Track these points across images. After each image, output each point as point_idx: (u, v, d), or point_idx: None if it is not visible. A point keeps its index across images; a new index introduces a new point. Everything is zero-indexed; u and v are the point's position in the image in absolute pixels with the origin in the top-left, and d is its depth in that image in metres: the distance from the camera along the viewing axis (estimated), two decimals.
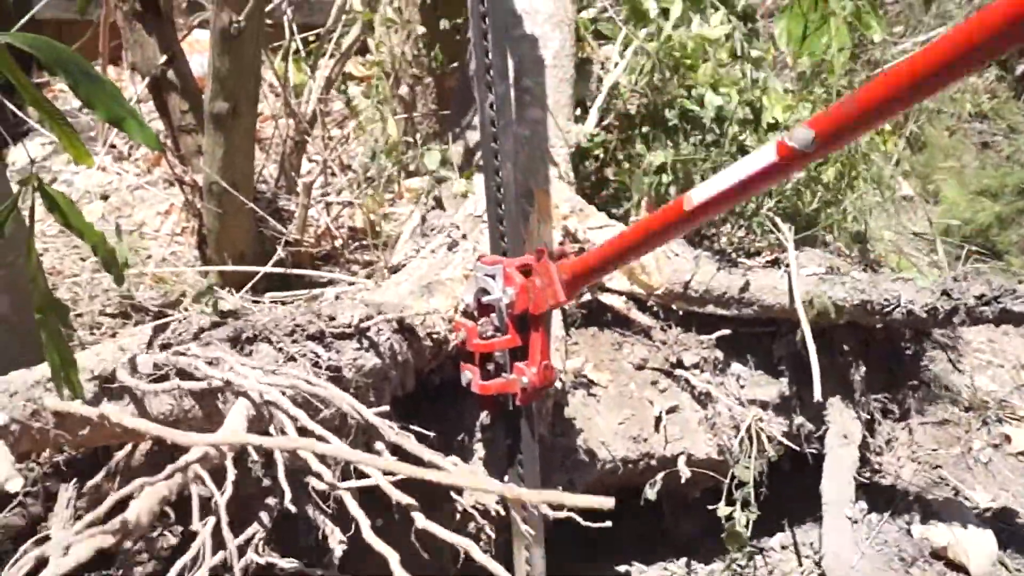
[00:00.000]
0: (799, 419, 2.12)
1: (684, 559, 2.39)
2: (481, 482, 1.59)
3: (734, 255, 2.13)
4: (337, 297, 2.01)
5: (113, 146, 3.17)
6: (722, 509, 1.98)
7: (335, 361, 1.42)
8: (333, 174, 2.63)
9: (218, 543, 1.09)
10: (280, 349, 1.37)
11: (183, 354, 1.28)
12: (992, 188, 3.51)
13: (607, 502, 1.16)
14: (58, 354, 1.28)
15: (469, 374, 1.86)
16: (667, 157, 2.33)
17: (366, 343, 1.48)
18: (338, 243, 2.61)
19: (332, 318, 1.46)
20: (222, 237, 2.39)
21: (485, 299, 1.82)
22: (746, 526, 2.02)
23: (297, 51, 2.52)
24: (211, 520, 0.92)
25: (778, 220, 2.09)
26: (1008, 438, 2.72)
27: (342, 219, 2.70)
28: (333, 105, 2.79)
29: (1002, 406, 2.84)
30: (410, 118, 2.50)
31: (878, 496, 2.48)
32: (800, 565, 2.36)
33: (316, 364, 1.39)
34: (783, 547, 2.45)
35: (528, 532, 1.98)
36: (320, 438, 1.21)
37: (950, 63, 0.99)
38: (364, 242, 2.62)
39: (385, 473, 1.21)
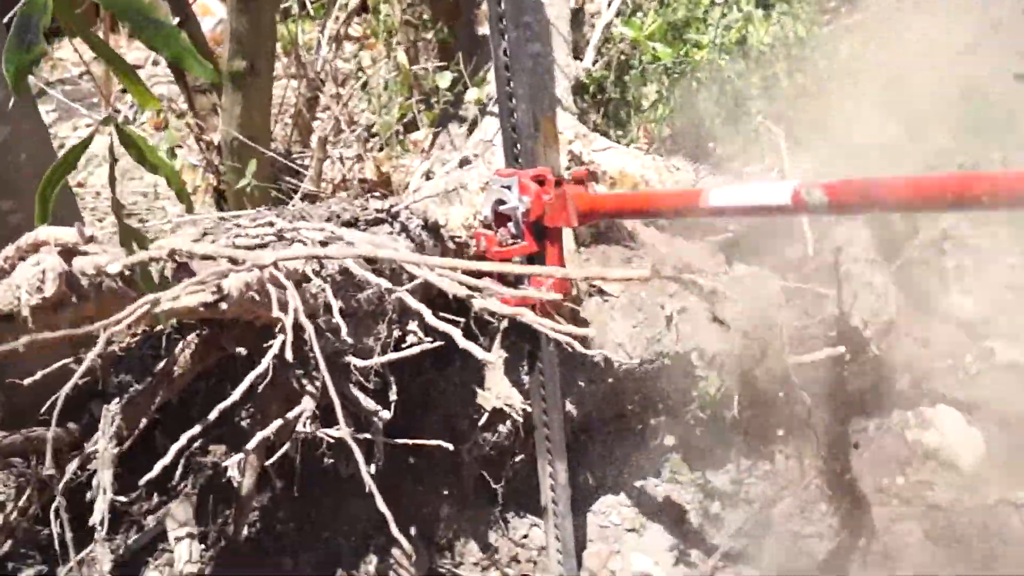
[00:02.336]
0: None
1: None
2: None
3: (729, 165, 2.27)
4: None
5: (117, 111, 3.28)
6: None
7: (371, 250, 1.54)
8: (341, 130, 2.75)
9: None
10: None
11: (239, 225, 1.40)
12: None
13: (644, 273, 1.29)
14: (143, 281, 1.38)
15: (488, 283, 1.99)
16: (660, 91, 2.47)
17: (398, 227, 1.61)
18: (352, 194, 2.74)
19: (365, 207, 1.58)
20: (241, 192, 2.51)
21: (502, 208, 1.95)
22: None
23: (304, 8, 2.65)
24: (292, 308, 1.04)
25: (771, 125, 2.22)
26: (993, 352, 2.86)
27: (354, 172, 2.82)
28: (336, 63, 2.91)
29: (987, 323, 2.98)
30: (415, 70, 2.62)
31: (875, 403, 2.62)
32: None
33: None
34: None
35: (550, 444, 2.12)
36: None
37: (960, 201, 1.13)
38: (376, 193, 2.75)
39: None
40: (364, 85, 2.75)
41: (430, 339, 1.51)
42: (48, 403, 1.30)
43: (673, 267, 2.26)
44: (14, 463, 1.92)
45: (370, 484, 1.09)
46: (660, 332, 2.19)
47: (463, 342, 1.15)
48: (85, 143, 1.35)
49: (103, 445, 1.60)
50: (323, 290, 1.28)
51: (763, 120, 2.23)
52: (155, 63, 3.66)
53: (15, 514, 1.85)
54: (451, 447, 1.64)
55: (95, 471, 1.60)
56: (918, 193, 1.17)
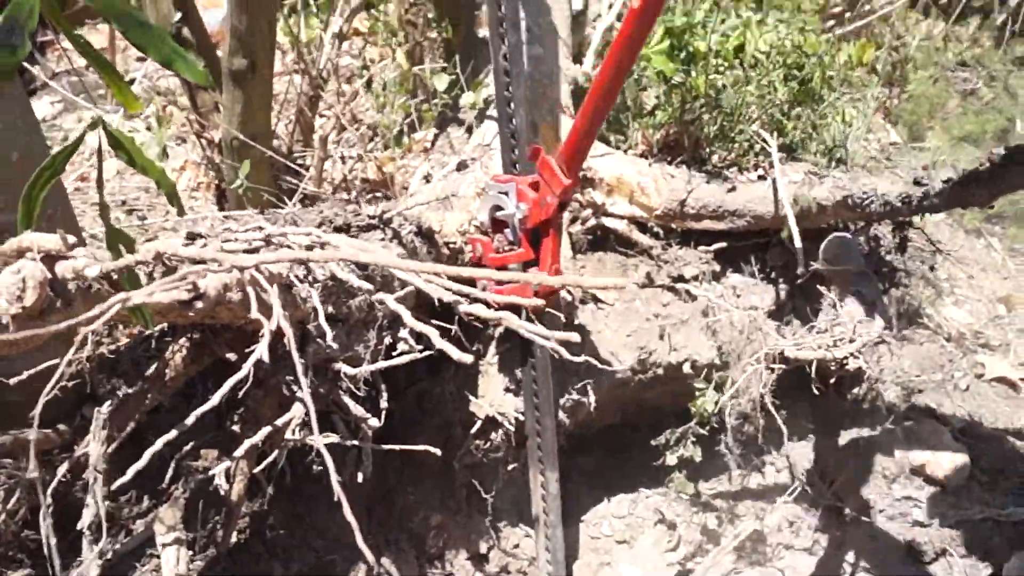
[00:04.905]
0: (793, 322, 2.24)
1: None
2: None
3: (725, 172, 2.26)
4: None
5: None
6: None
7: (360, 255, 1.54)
8: (344, 128, 2.74)
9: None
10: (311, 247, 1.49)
11: (229, 230, 1.39)
12: (973, 134, 3.64)
13: (621, 282, 1.28)
14: (129, 284, 1.38)
15: (484, 282, 1.99)
16: (660, 99, 2.46)
17: (390, 233, 1.60)
18: (353, 194, 2.73)
19: (357, 213, 1.57)
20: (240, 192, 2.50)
21: (499, 215, 1.95)
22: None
23: (307, 5, 2.64)
24: (276, 313, 1.03)
25: (763, 133, 2.21)
26: (983, 366, 2.86)
27: (356, 172, 2.81)
28: (341, 60, 2.90)
29: (978, 337, 2.98)
30: (415, 72, 2.61)
31: (864, 418, 2.63)
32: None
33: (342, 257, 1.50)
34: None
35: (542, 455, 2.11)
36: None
37: None
38: (378, 193, 2.74)
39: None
40: (368, 83, 2.74)
41: (420, 347, 1.50)
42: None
43: (668, 276, 2.26)
44: (3, 464, 1.92)
45: (339, 492, 1.08)
46: (653, 341, 2.19)
47: (440, 342, 1.15)
48: (73, 146, 1.34)
49: (94, 448, 1.59)
50: (311, 296, 1.27)
51: (756, 130, 2.22)
52: None
53: (3, 517, 1.84)
54: (440, 453, 1.62)
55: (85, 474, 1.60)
56: None
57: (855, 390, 2.57)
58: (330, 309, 1.45)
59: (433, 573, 2.24)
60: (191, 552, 1.80)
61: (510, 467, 2.20)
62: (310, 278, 1.35)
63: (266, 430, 1.45)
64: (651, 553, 2.39)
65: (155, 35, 1.36)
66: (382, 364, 1.48)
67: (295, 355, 0.97)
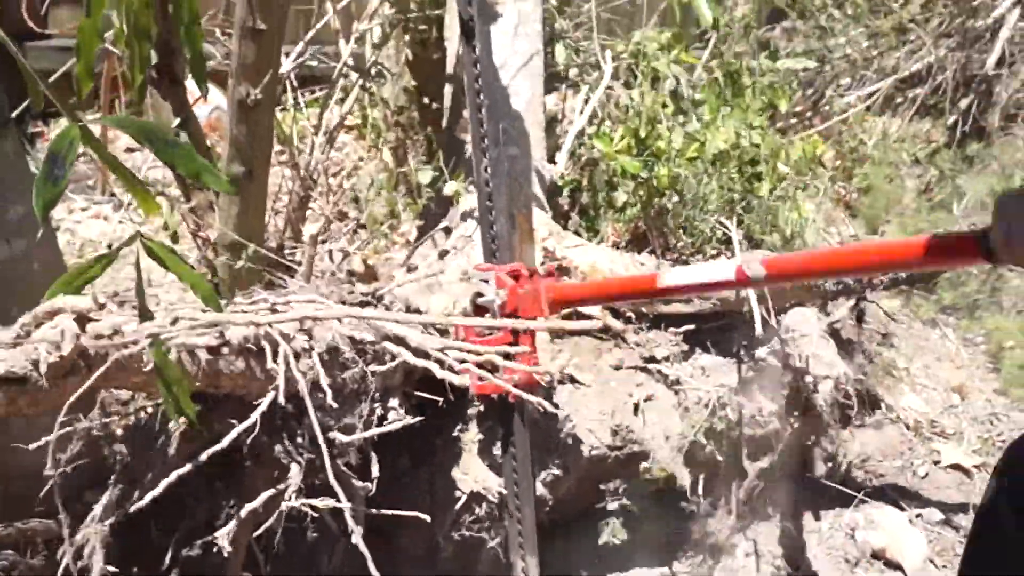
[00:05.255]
0: (762, 402, 2.37)
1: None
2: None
3: (690, 259, 2.44)
4: None
5: (113, 194, 3.40)
6: None
7: (354, 332, 1.67)
8: (331, 223, 2.91)
9: None
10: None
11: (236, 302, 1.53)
12: (927, 230, 3.88)
13: (595, 324, 1.44)
14: (168, 377, 1.46)
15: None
16: (628, 196, 2.66)
17: (382, 308, 1.73)
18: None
19: (351, 291, 1.71)
20: (234, 287, 2.62)
21: (480, 301, 2.08)
22: None
23: (297, 104, 2.84)
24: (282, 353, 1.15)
25: (725, 221, 2.40)
26: (939, 453, 3.01)
27: (343, 265, 2.96)
28: (330, 154, 3.08)
29: (933, 425, 3.14)
30: (401, 169, 2.80)
31: (828, 502, 2.76)
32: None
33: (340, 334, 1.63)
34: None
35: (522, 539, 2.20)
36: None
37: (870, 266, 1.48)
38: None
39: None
40: (352, 177, 2.92)
41: (410, 417, 1.63)
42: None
43: (640, 357, 2.40)
44: (7, 555, 2.00)
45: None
46: (628, 418, 2.31)
47: (441, 372, 1.27)
48: (111, 257, 1.47)
49: (95, 530, 1.67)
50: (312, 367, 1.39)
51: (717, 218, 2.41)
52: None
53: None
54: (429, 519, 1.71)
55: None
56: (833, 261, 1.45)
57: (825, 467, 2.70)
58: (325, 381, 1.57)
59: None
60: None
61: (493, 542, 2.27)
62: (310, 345, 1.48)
63: (268, 492, 1.55)
64: None
65: (182, 152, 1.52)
66: (375, 431, 1.59)
67: (311, 412, 1.09)
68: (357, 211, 2.90)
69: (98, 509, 1.79)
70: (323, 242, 2.91)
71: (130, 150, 3.72)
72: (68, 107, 1.44)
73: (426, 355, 1.55)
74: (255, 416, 1.15)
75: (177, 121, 2.66)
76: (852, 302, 2.44)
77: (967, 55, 4.33)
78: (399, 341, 1.56)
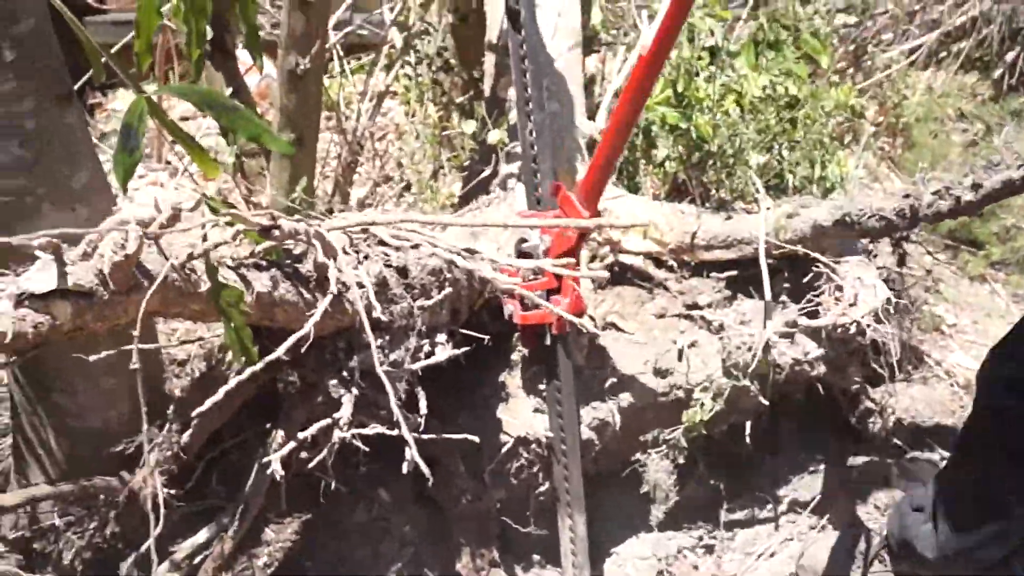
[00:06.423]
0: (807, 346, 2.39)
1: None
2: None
3: (731, 205, 2.47)
4: None
5: (168, 162, 3.52)
6: None
7: (402, 261, 1.74)
8: (377, 185, 2.99)
9: None
10: (357, 250, 1.68)
11: None
12: None
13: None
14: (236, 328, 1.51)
15: (511, 308, 2.17)
16: (668, 150, 2.69)
17: (429, 249, 1.80)
18: None
19: (399, 228, 1.78)
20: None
21: (524, 246, 2.16)
22: None
23: (343, 71, 2.92)
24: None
25: (752, 174, 2.43)
26: None
27: None
28: (376, 117, 3.16)
29: None
30: (444, 127, 2.86)
31: (869, 452, 2.75)
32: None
33: (387, 264, 1.70)
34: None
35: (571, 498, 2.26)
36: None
37: None
38: None
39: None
40: (399, 142, 2.98)
41: (456, 349, 1.69)
42: None
43: (683, 304, 2.43)
44: (72, 512, 2.12)
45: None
46: (672, 364, 2.34)
47: (491, 273, 1.34)
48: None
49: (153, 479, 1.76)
50: (367, 290, 1.45)
51: (748, 171, 2.44)
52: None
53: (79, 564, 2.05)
54: (477, 439, 1.78)
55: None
56: None
57: (870, 420, 2.70)
58: (376, 314, 1.63)
59: None
60: None
61: (541, 488, 2.33)
62: (362, 270, 1.55)
63: (325, 422, 1.62)
64: None
65: (242, 116, 1.60)
66: (422, 363, 1.65)
67: (363, 314, 1.15)
68: (402, 176, 2.97)
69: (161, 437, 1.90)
70: (370, 205, 2.99)
71: (184, 119, 3.83)
72: (132, 79, 1.53)
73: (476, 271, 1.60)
74: (309, 325, 1.21)
75: (230, 91, 2.76)
76: (893, 245, 2.45)
77: (1013, 7, 4.27)
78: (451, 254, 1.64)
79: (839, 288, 2.23)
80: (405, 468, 1.60)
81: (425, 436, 1.60)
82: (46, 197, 1.64)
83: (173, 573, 2.05)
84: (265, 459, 1.61)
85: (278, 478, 1.52)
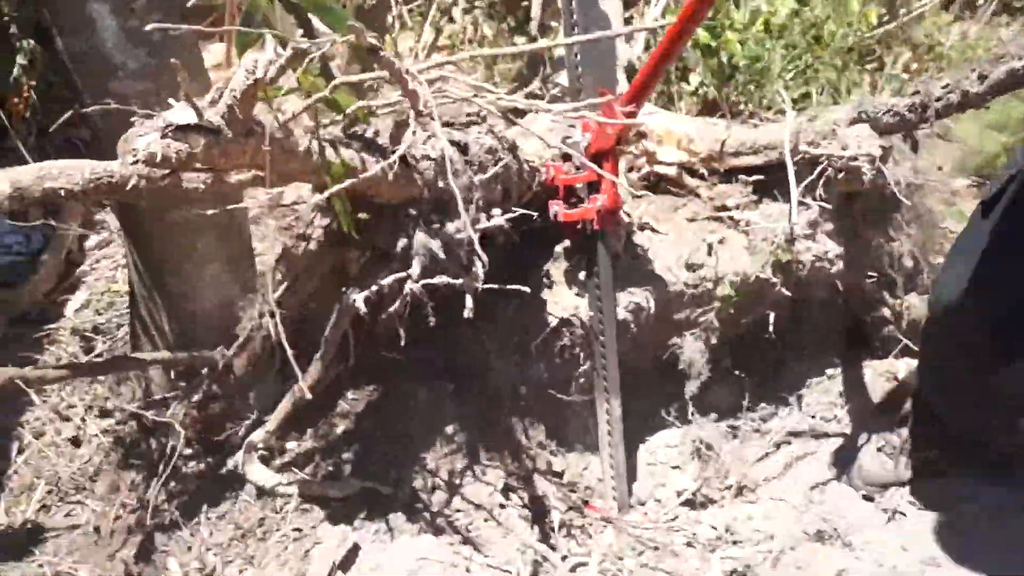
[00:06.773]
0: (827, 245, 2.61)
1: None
2: None
3: (758, 115, 2.69)
4: None
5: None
6: None
7: (463, 139, 2.00)
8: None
9: None
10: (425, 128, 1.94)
11: None
12: (999, 122, 3.97)
13: None
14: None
15: (556, 207, 2.42)
16: (704, 76, 2.91)
17: (486, 127, 2.05)
18: None
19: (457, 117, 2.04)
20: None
21: (567, 142, 2.38)
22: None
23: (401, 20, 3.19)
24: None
25: (780, 90, 2.64)
26: None
27: None
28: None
29: None
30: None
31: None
32: None
33: (451, 141, 1.96)
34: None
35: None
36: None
37: None
38: None
39: None
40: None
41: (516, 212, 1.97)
42: None
43: (713, 207, 2.66)
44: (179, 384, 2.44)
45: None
46: (703, 259, 2.58)
47: None
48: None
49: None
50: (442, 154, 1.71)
51: (777, 89, 2.65)
52: None
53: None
54: (528, 289, 2.01)
55: None
56: None
57: (884, 329, 2.91)
58: (441, 184, 1.90)
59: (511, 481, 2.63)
60: None
61: (582, 368, 2.58)
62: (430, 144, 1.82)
63: (401, 275, 1.88)
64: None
65: (339, 17, 1.87)
66: (487, 224, 1.92)
67: (451, 177, 1.40)
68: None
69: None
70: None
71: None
72: None
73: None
74: (387, 162, 1.48)
75: (300, 32, 3.03)
76: (905, 135, 2.63)
77: None
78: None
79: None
80: (467, 313, 1.86)
81: (483, 287, 1.83)
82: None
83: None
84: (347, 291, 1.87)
85: (361, 311, 1.78)
